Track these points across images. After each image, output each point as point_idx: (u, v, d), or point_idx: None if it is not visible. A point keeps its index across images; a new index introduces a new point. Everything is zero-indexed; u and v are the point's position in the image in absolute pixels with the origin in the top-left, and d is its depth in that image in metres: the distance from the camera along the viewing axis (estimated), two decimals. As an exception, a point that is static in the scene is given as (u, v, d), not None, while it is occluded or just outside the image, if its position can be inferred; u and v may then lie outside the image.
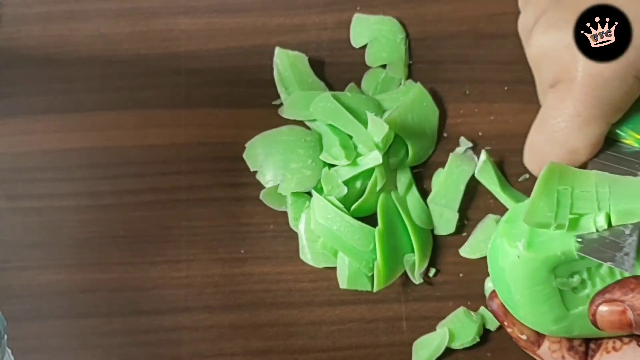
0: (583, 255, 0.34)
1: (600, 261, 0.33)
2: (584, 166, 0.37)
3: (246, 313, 0.51)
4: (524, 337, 0.37)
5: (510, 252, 0.35)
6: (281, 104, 0.53)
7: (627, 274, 0.34)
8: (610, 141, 0.37)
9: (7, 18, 0.54)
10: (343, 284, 0.50)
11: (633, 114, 0.37)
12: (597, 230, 0.34)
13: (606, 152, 0.37)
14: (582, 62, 0.35)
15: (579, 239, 0.34)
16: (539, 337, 0.37)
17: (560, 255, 0.34)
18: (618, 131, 0.37)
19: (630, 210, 0.34)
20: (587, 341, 0.37)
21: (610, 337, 0.36)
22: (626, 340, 0.36)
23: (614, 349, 0.36)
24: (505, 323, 0.38)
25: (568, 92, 0.36)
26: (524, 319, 0.37)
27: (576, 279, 0.35)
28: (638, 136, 0.37)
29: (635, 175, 0.35)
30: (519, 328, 0.37)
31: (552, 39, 0.36)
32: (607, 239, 0.34)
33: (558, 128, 0.37)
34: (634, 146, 0.37)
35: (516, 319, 0.37)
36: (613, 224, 0.34)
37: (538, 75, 0.40)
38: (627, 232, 0.34)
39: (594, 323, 0.34)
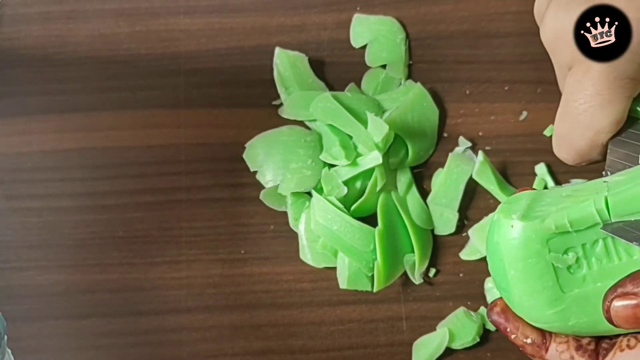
0: (607, 233, 0.34)
1: (626, 241, 0.33)
2: (605, 145, 0.37)
3: (246, 313, 0.51)
4: (529, 340, 0.37)
5: (505, 224, 0.35)
6: (281, 104, 0.53)
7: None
8: (630, 119, 0.37)
9: (7, 18, 0.54)
10: (343, 284, 0.50)
11: None
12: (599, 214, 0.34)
13: (628, 130, 0.37)
14: None
15: None
16: (544, 338, 0.36)
17: (553, 227, 0.34)
18: (638, 108, 0.37)
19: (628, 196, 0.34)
20: (597, 339, 0.37)
21: (617, 335, 0.35)
22: None
23: (629, 347, 0.35)
24: (509, 329, 0.37)
25: (585, 72, 0.36)
26: (519, 304, 0.36)
27: (571, 255, 0.35)
28: None
29: None
30: (522, 332, 0.37)
31: (564, 21, 0.36)
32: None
33: (581, 110, 0.36)
34: None
35: (518, 320, 0.36)
36: (611, 209, 0.34)
37: (555, 60, 0.39)
38: None
39: (610, 321, 0.34)
